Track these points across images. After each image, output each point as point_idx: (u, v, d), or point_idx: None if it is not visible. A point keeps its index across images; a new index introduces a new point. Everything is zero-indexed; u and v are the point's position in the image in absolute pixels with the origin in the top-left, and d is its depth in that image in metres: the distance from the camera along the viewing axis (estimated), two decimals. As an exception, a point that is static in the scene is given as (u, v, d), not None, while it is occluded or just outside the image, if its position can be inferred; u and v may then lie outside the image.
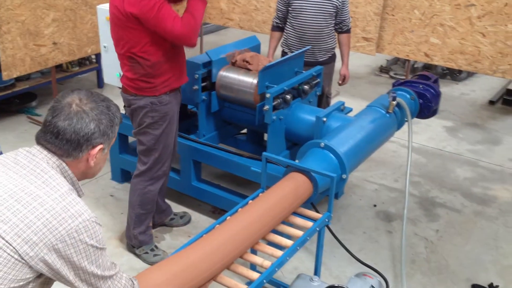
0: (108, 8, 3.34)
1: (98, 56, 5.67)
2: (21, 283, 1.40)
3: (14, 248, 1.37)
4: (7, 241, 1.37)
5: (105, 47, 3.44)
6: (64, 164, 1.54)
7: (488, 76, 6.42)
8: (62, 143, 1.52)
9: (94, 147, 1.56)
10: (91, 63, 5.64)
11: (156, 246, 3.19)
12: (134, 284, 1.66)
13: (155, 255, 3.14)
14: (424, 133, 5.02)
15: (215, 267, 2.12)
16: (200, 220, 3.57)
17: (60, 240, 1.39)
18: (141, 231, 3.12)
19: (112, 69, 3.46)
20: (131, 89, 2.85)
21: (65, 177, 1.55)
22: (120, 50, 2.80)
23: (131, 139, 3.84)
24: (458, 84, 6.55)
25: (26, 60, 4.14)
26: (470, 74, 6.72)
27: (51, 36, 4.25)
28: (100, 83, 5.77)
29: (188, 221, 3.51)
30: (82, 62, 5.51)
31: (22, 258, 1.38)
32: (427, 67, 6.70)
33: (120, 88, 3.02)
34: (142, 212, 3.08)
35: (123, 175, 3.89)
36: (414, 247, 3.37)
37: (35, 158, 1.51)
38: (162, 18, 2.60)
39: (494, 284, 3.04)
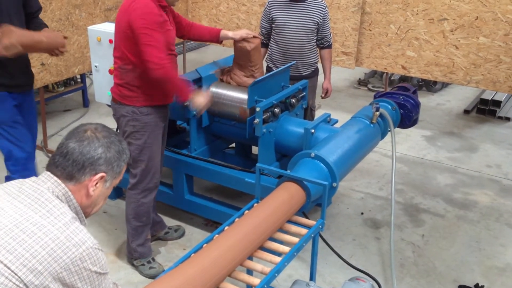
0: (98, 29, 3.46)
1: (83, 76, 5.73)
2: None
3: (19, 277, 1.39)
4: (12, 271, 1.39)
5: (96, 66, 3.51)
6: (69, 193, 1.58)
7: (462, 87, 6.69)
8: (68, 163, 1.57)
9: (96, 173, 1.60)
10: (76, 83, 5.68)
11: (153, 259, 3.24)
12: None
13: (150, 267, 3.19)
14: (404, 142, 5.19)
15: (217, 277, 2.19)
16: (193, 232, 3.64)
17: (64, 268, 1.43)
18: (139, 244, 3.18)
19: (103, 88, 3.53)
20: (117, 96, 2.97)
21: (69, 205, 1.58)
22: (116, 53, 2.94)
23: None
24: (434, 95, 6.78)
25: (15, 81, 4.15)
26: (444, 85, 6.97)
27: (39, 57, 4.30)
28: (86, 102, 5.81)
29: (182, 234, 3.57)
30: (67, 82, 5.55)
31: (26, 286, 1.40)
32: (404, 79, 6.93)
33: (109, 105, 3.13)
34: (138, 224, 3.14)
35: (115, 191, 3.93)
36: (402, 252, 3.49)
37: (39, 188, 1.55)
38: (145, 40, 2.74)
39: (480, 284, 3.17)
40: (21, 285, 1.40)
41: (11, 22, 2.96)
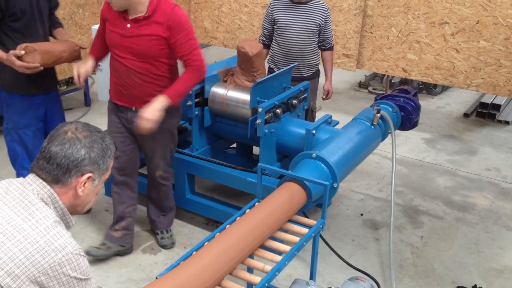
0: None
1: (85, 75, 5.75)
2: None
3: None
4: None
5: (99, 66, 3.53)
6: (55, 195, 1.57)
7: (462, 90, 6.72)
8: (52, 167, 1.55)
9: (83, 174, 1.59)
10: (77, 81, 5.70)
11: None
12: None
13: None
14: (404, 145, 5.22)
15: (218, 275, 2.21)
16: (194, 231, 3.66)
17: (42, 273, 1.42)
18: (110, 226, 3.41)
19: (106, 87, 3.55)
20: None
21: (55, 207, 1.58)
22: None
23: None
24: (434, 98, 6.81)
25: (18, 79, 4.18)
26: (444, 88, 7.00)
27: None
28: (87, 101, 5.84)
29: (167, 246, 3.48)
30: (69, 81, 5.58)
31: None
32: (404, 82, 6.96)
33: None
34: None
35: (116, 190, 3.95)
36: (401, 253, 3.52)
37: (25, 190, 1.54)
38: None
39: (478, 286, 3.20)
40: None
41: (43, 24, 3.08)
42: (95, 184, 1.65)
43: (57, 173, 1.56)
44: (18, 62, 2.94)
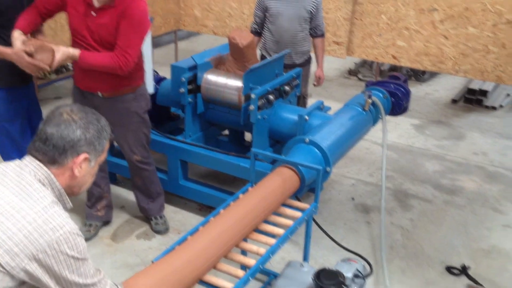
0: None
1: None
2: None
3: None
4: None
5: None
6: (52, 176, 1.59)
7: (450, 77, 6.80)
8: (48, 148, 1.57)
9: (78, 155, 1.60)
10: (68, 70, 5.68)
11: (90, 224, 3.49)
12: None
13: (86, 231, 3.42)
14: (394, 131, 5.29)
15: (213, 258, 2.25)
16: (187, 217, 3.71)
17: (40, 251, 1.44)
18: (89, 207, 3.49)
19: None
20: None
21: (52, 188, 1.60)
22: None
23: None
24: (422, 84, 6.89)
25: (10, 67, 4.16)
26: (433, 75, 7.08)
27: (34, 44, 4.30)
28: (78, 90, 5.82)
29: (161, 232, 3.52)
30: (59, 69, 5.56)
31: (4, 268, 1.42)
32: (393, 69, 7.02)
33: None
34: None
35: (109, 177, 3.97)
36: (391, 235, 3.60)
37: (22, 172, 1.56)
38: None
39: (466, 266, 3.28)
40: None
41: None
42: (92, 165, 1.67)
43: (54, 154, 1.58)
44: (28, 59, 2.75)
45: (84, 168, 1.64)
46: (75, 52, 2.84)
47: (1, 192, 1.51)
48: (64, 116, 1.60)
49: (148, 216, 3.58)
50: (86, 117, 1.63)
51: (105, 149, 1.71)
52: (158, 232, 3.52)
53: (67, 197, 1.66)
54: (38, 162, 1.59)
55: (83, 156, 1.61)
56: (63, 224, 1.49)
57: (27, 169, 1.57)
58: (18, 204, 1.48)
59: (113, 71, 2.90)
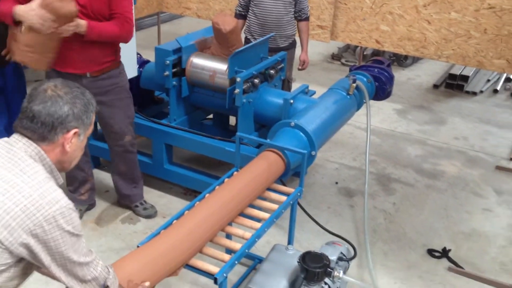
0: None
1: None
2: (2, 268, 1.46)
3: None
4: None
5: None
6: (42, 152, 1.57)
7: (432, 62, 6.85)
8: (37, 126, 1.55)
9: (68, 131, 1.59)
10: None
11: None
12: (109, 271, 1.71)
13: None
14: (376, 115, 5.33)
15: (199, 243, 2.25)
16: (172, 201, 3.70)
17: (38, 225, 1.44)
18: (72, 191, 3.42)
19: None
20: None
21: (43, 164, 1.58)
22: None
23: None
24: (405, 70, 6.93)
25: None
26: (415, 60, 7.12)
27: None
28: (58, 72, 5.71)
29: (151, 215, 3.51)
30: (39, 51, 5.43)
31: (2, 244, 1.43)
32: (376, 53, 7.04)
33: None
34: None
35: (93, 161, 3.93)
36: (374, 219, 3.64)
37: (12, 148, 1.55)
38: None
39: (447, 248, 3.35)
40: None
41: None
42: (81, 139, 1.66)
43: (43, 131, 1.56)
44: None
45: (74, 143, 1.64)
46: (83, 22, 2.72)
47: None
48: (48, 93, 1.58)
49: (132, 203, 3.53)
50: (72, 92, 1.62)
51: (92, 122, 1.70)
52: (149, 216, 3.50)
53: (58, 173, 1.65)
54: (27, 139, 1.57)
55: (73, 131, 1.61)
56: (59, 199, 1.49)
57: (18, 145, 1.56)
58: (12, 179, 1.48)
59: (119, 40, 2.92)
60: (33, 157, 1.56)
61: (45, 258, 1.49)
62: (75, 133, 1.61)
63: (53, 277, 1.56)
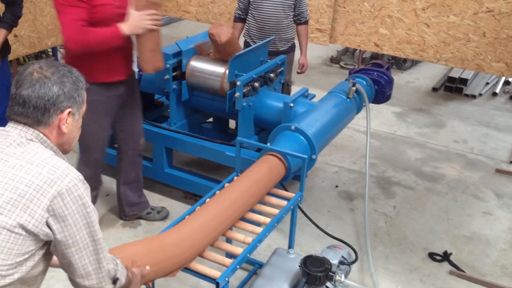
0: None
1: (54, 49, 5.63)
2: (26, 256, 1.44)
3: (14, 220, 1.39)
4: (5, 216, 1.40)
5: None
6: (41, 135, 1.55)
7: (430, 65, 6.86)
8: (29, 111, 1.52)
9: (62, 111, 1.56)
10: (47, 56, 5.58)
11: None
12: (117, 263, 1.69)
13: None
14: (376, 118, 5.33)
15: (199, 246, 2.25)
16: (173, 205, 3.69)
17: (53, 201, 1.42)
18: None
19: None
20: None
21: (45, 147, 1.56)
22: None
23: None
24: (404, 73, 6.94)
25: (-13, 53, 4.07)
26: (414, 63, 7.13)
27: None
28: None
29: (166, 217, 3.53)
30: (38, 55, 5.45)
31: (25, 228, 1.40)
32: (375, 57, 7.05)
33: None
34: None
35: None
36: (375, 222, 3.64)
37: (9, 135, 1.52)
38: (59, 14, 2.64)
39: (448, 252, 3.35)
40: (16, 229, 1.40)
41: None
42: (76, 118, 1.63)
43: (36, 115, 1.53)
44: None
45: (70, 123, 1.60)
46: None
47: None
48: (35, 75, 1.54)
49: (142, 211, 3.49)
50: (58, 71, 1.57)
51: (84, 100, 1.66)
52: (165, 218, 3.52)
53: (61, 154, 1.63)
54: (22, 125, 1.54)
55: (67, 111, 1.57)
56: (68, 172, 1.48)
57: (15, 132, 1.53)
58: (17, 163, 1.46)
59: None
60: (33, 140, 1.53)
61: (65, 237, 1.46)
62: (69, 112, 1.58)
63: (67, 264, 1.53)
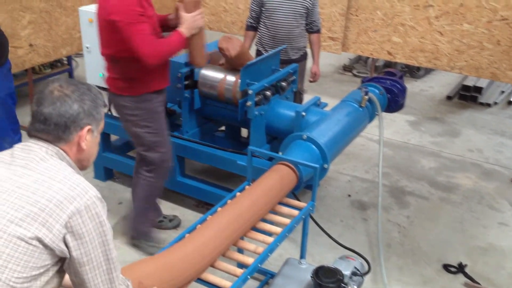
0: (90, 10, 3.45)
1: (69, 58, 5.69)
2: (41, 270, 1.45)
3: (32, 233, 1.41)
4: (25, 229, 1.41)
5: (87, 47, 3.51)
6: (61, 151, 1.58)
7: (444, 73, 6.81)
8: (50, 128, 1.56)
9: (82, 128, 1.60)
10: (62, 65, 5.64)
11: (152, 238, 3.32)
12: (129, 285, 1.71)
13: (151, 246, 3.27)
14: (389, 127, 5.29)
15: (211, 256, 2.24)
16: (185, 213, 3.68)
17: (73, 218, 1.44)
18: (146, 224, 3.29)
19: (95, 70, 3.53)
20: (113, 88, 2.97)
21: (64, 164, 1.58)
22: (106, 51, 2.89)
23: (113, 137, 3.92)
24: (417, 81, 6.89)
25: (3, 62, 4.12)
26: (427, 72, 7.08)
27: (28, 38, 4.26)
28: (72, 84, 5.78)
29: (178, 225, 3.54)
30: (54, 64, 5.51)
31: (43, 242, 1.42)
32: (388, 65, 7.02)
33: (103, 88, 3.11)
34: (147, 207, 3.23)
35: (106, 173, 3.95)
36: (388, 232, 3.60)
37: (32, 150, 1.55)
38: (132, 33, 2.68)
39: (463, 264, 3.29)
40: (34, 242, 1.41)
41: None
42: (95, 135, 1.67)
43: (57, 132, 1.57)
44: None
45: (89, 139, 1.64)
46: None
47: (18, 171, 1.50)
48: (55, 94, 1.58)
49: (160, 217, 3.53)
50: (78, 89, 1.61)
51: (102, 117, 1.70)
52: (177, 226, 3.54)
53: (79, 171, 1.65)
54: (44, 141, 1.58)
55: (86, 128, 1.61)
56: (87, 189, 1.50)
57: (36, 147, 1.56)
58: (39, 177, 1.48)
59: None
60: (54, 156, 1.57)
61: (80, 255, 1.48)
62: (88, 129, 1.62)
63: (80, 283, 1.53)
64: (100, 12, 2.80)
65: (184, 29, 2.85)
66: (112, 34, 2.76)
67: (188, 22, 2.85)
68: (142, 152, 3.11)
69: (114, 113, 3.28)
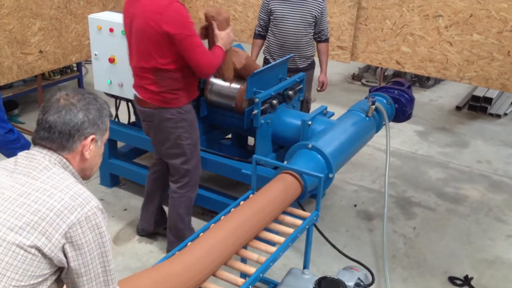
0: (99, 18, 3.48)
1: (79, 64, 5.73)
2: (40, 279, 1.45)
3: (31, 242, 1.41)
4: (24, 237, 1.41)
5: (96, 55, 3.53)
6: (65, 160, 1.59)
7: (454, 83, 6.77)
8: (54, 136, 1.56)
9: (86, 137, 1.60)
10: (72, 71, 5.69)
11: None
12: None
13: None
14: (397, 137, 5.27)
15: (213, 265, 2.23)
16: (189, 222, 3.68)
17: (72, 228, 1.45)
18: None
19: (102, 77, 3.55)
20: (158, 102, 2.94)
21: (67, 173, 1.58)
22: (146, 63, 2.87)
23: (119, 144, 3.94)
24: (426, 91, 6.86)
25: (13, 68, 4.19)
26: (437, 82, 7.05)
27: (38, 45, 4.31)
28: (81, 91, 5.82)
29: None
30: (63, 70, 5.56)
31: (41, 251, 1.42)
32: (397, 74, 7.00)
33: (111, 95, 3.11)
34: (188, 219, 3.26)
35: (112, 180, 3.96)
36: (394, 243, 3.57)
37: (35, 158, 1.56)
38: (193, 46, 2.77)
39: (469, 276, 3.25)
40: (33, 250, 1.42)
41: None
42: (98, 145, 1.67)
43: (61, 140, 1.57)
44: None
45: (93, 149, 1.64)
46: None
47: (20, 179, 1.51)
48: (61, 102, 1.59)
49: (160, 227, 3.52)
50: (84, 99, 1.62)
51: (107, 127, 1.70)
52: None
53: (82, 180, 1.66)
54: (47, 150, 1.58)
55: (90, 137, 1.61)
56: (89, 200, 1.50)
57: (40, 156, 1.56)
58: (41, 186, 1.49)
59: None
60: (57, 164, 1.57)
61: (78, 265, 1.48)
62: (92, 139, 1.62)
63: None
64: (141, 24, 2.79)
65: (221, 45, 3.00)
66: (161, 46, 2.76)
67: (223, 39, 3.01)
68: (179, 165, 3.11)
69: (121, 119, 3.28)
